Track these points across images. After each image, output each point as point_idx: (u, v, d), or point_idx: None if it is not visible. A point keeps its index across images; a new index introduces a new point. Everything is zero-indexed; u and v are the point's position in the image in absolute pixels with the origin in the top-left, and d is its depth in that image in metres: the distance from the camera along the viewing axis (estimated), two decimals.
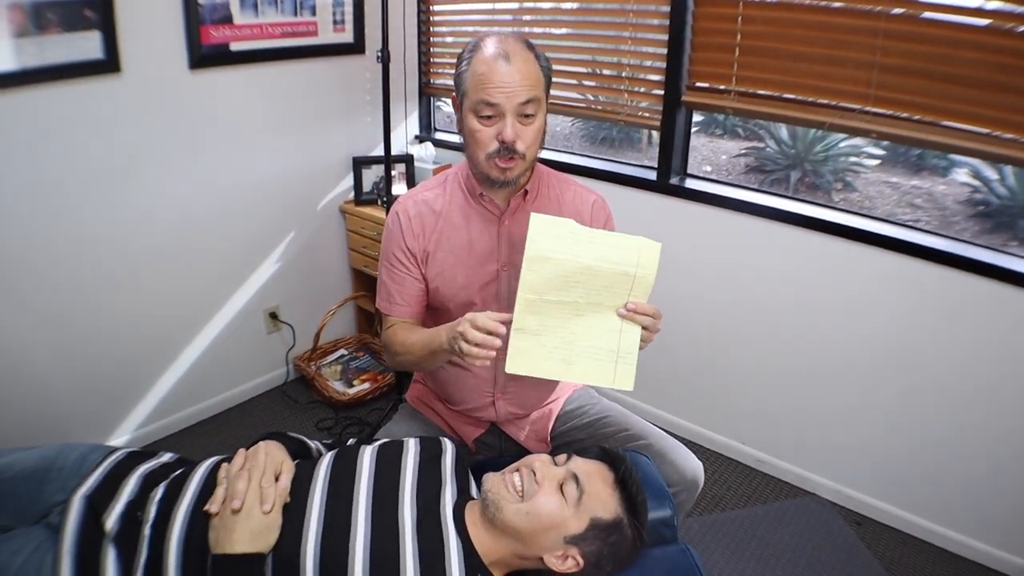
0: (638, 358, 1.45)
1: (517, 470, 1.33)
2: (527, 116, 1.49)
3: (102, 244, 2.46)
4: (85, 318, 2.49)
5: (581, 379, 1.44)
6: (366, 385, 3.13)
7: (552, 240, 1.38)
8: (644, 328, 1.44)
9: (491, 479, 1.32)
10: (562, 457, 1.35)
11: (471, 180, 1.64)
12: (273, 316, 3.11)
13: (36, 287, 2.34)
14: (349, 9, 2.93)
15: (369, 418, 3.00)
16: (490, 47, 1.48)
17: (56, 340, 2.44)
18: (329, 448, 1.54)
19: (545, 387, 1.80)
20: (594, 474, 1.31)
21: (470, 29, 3.19)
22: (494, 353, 1.37)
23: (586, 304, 1.41)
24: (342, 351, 3.35)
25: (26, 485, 1.36)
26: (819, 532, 2.45)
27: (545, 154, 3.02)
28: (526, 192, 1.64)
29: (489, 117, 1.48)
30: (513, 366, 1.41)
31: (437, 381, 1.81)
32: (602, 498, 1.28)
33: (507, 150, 1.49)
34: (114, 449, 1.44)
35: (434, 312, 1.75)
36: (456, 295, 1.65)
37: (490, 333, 1.36)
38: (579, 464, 1.33)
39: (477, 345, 1.36)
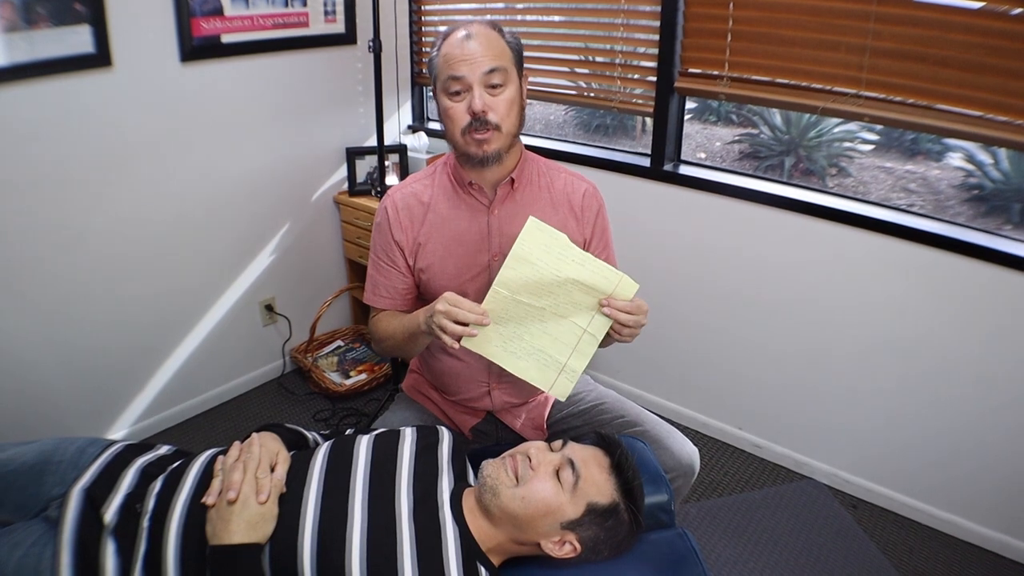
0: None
1: (513, 456, 1.33)
2: (495, 87, 1.51)
3: (96, 239, 2.46)
4: (81, 313, 2.49)
5: (521, 374, 1.49)
6: (363, 376, 3.13)
7: (540, 248, 1.43)
8: (624, 324, 1.47)
9: (489, 465, 1.33)
10: (558, 443, 1.36)
11: (458, 170, 1.64)
12: (269, 308, 3.11)
13: (31, 282, 2.34)
14: None
15: (366, 409, 3.00)
16: (457, 31, 1.53)
17: (52, 335, 2.43)
18: (327, 439, 1.54)
19: None
20: (590, 459, 1.32)
21: (462, 18, 3.18)
22: (472, 331, 1.40)
23: (551, 314, 1.46)
24: (338, 342, 3.35)
25: (25, 479, 1.36)
26: (816, 516, 2.46)
27: (539, 142, 3.06)
28: (513, 180, 1.63)
29: (457, 93, 1.52)
30: (466, 341, 1.46)
31: (433, 372, 1.81)
32: (598, 483, 1.28)
33: (479, 121, 1.51)
34: (112, 442, 1.45)
35: (426, 303, 1.74)
36: (447, 285, 1.65)
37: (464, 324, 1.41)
38: (575, 450, 1.33)
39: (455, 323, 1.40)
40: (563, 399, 1.51)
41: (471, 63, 1.49)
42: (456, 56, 1.50)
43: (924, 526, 2.43)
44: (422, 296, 1.74)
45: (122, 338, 2.63)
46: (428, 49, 3.29)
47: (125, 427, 2.73)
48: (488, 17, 3.05)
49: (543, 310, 1.45)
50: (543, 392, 1.82)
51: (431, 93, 1.59)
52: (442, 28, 3.20)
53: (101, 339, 2.57)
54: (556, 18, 2.95)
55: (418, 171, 1.76)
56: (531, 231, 1.42)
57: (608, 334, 1.48)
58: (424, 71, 3.33)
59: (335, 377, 3.12)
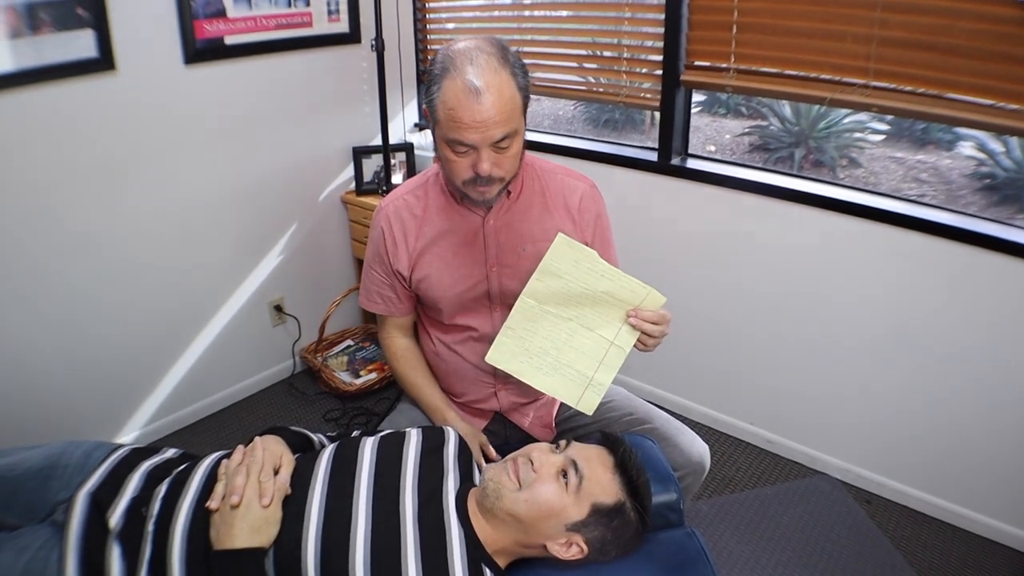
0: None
1: (515, 459, 1.32)
2: (503, 148, 1.40)
3: (103, 242, 2.47)
4: (89, 316, 2.49)
5: (547, 390, 1.50)
6: (373, 375, 3.13)
7: (569, 263, 1.44)
8: (649, 335, 1.49)
9: (491, 468, 1.32)
10: (561, 444, 1.35)
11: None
12: (278, 309, 3.11)
13: (39, 287, 2.35)
14: None
15: (377, 408, 3.00)
16: (459, 76, 1.34)
17: (61, 339, 2.44)
18: (332, 441, 1.54)
19: None
20: (593, 459, 1.30)
21: (467, 14, 3.18)
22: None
23: (578, 326, 1.47)
24: (348, 342, 3.35)
25: (32, 483, 1.36)
26: (829, 512, 2.44)
27: (548, 138, 3.04)
28: (509, 192, 1.60)
29: (463, 152, 1.40)
30: (492, 356, 1.49)
31: (438, 373, 1.81)
32: (602, 483, 1.27)
33: (483, 180, 1.42)
34: (118, 446, 1.45)
35: (427, 308, 1.75)
36: (445, 295, 1.64)
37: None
38: (578, 450, 1.32)
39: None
40: (590, 413, 1.51)
41: (482, 132, 1.35)
42: (464, 120, 1.34)
43: (939, 521, 2.40)
44: (421, 301, 1.74)
45: (131, 341, 2.63)
46: (435, 47, 3.27)
47: (135, 430, 2.73)
48: (495, 14, 3.04)
49: (570, 322, 1.47)
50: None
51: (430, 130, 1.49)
52: (449, 25, 3.20)
53: (110, 342, 2.57)
54: (563, 13, 2.93)
55: (411, 179, 1.72)
56: (560, 247, 1.43)
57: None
58: (428, 69, 3.31)
59: (345, 377, 3.12)
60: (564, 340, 1.47)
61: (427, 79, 1.44)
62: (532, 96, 1.49)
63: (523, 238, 1.62)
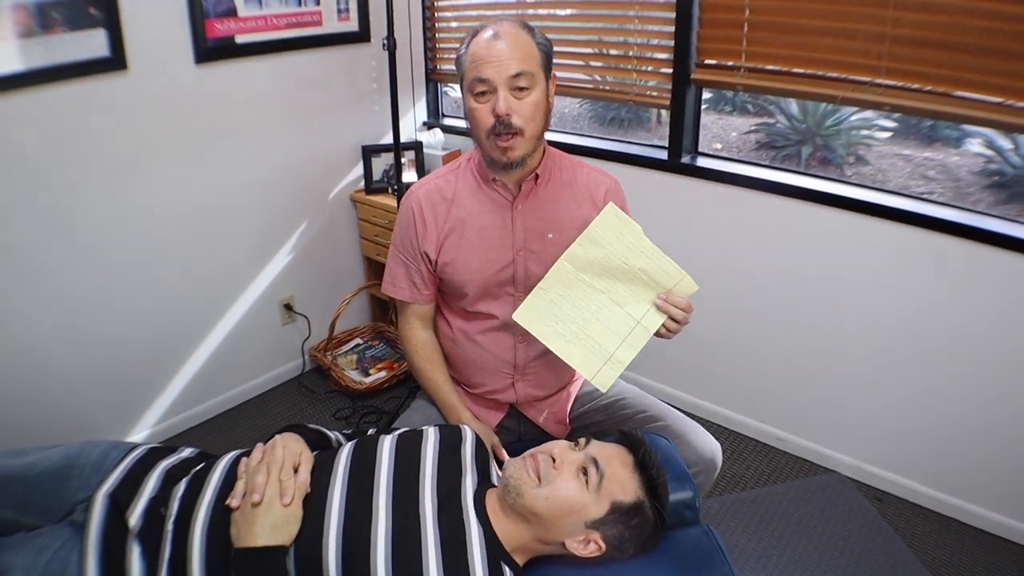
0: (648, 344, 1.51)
1: (535, 456, 1.32)
2: (520, 89, 1.50)
3: (114, 241, 2.47)
4: (101, 316, 2.50)
5: (566, 358, 1.50)
6: (382, 373, 3.13)
7: (613, 234, 1.46)
8: (674, 320, 1.51)
9: (511, 464, 1.32)
10: (581, 441, 1.35)
11: (482, 166, 1.65)
12: (288, 307, 3.12)
13: (52, 286, 2.35)
14: None
15: (387, 406, 3.01)
16: (486, 30, 1.51)
17: (75, 337, 2.45)
18: (349, 439, 1.54)
19: (564, 367, 1.81)
20: (613, 457, 1.31)
21: (475, 13, 3.17)
22: None
23: (608, 300, 1.48)
24: (357, 340, 3.36)
25: (50, 483, 1.37)
26: (840, 509, 2.44)
27: (555, 136, 3.04)
28: (537, 176, 1.64)
29: (483, 94, 1.51)
30: (519, 315, 1.52)
31: (456, 362, 1.81)
32: (622, 481, 1.28)
33: (503, 124, 1.50)
34: (136, 445, 1.45)
35: (450, 295, 1.76)
36: (471, 280, 1.67)
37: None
38: (598, 448, 1.33)
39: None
40: (604, 390, 1.52)
41: (497, 65, 1.47)
42: (482, 57, 1.48)
43: (951, 519, 2.40)
44: (444, 288, 1.76)
45: (143, 339, 2.64)
46: (443, 45, 3.28)
47: (147, 428, 2.74)
48: (501, 13, 3.04)
49: (601, 294, 1.48)
50: (569, 384, 1.84)
51: (453, 87, 1.60)
52: (456, 24, 3.22)
53: (121, 341, 2.58)
54: (569, 11, 2.93)
55: (442, 167, 1.77)
56: (608, 216, 1.46)
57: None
58: (439, 67, 3.32)
59: (355, 375, 3.13)
60: (592, 312, 1.48)
61: (458, 52, 1.58)
62: (554, 100, 1.63)
63: (550, 224, 1.66)
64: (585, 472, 1.28)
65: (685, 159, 2.66)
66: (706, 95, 2.84)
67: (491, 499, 1.32)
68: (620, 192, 1.75)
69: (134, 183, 2.47)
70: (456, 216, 1.66)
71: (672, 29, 2.51)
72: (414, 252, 1.70)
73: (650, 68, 2.67)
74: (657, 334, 1.53)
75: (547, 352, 1.66)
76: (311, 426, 1.50)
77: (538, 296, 1.50)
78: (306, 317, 3.18)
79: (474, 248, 1.65)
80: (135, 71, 2.36)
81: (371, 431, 1.56)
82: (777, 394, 2.71)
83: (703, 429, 1.75)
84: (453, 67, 1.62)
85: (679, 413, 1.78)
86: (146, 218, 2.53)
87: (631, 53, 2.69)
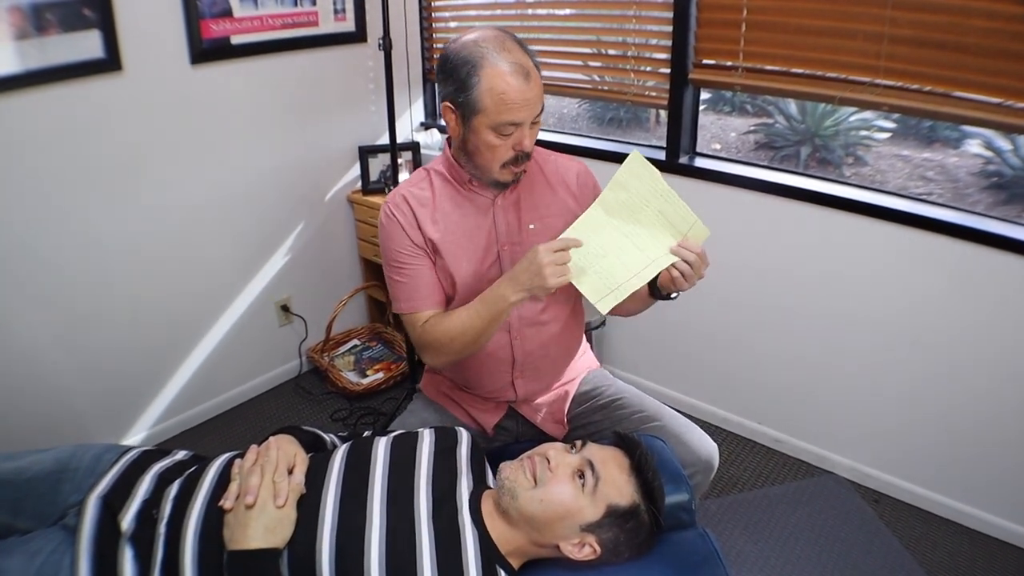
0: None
1: (531, 458, 1.32)
2: (535, 123, 1.53)
3: (110, 243, 2.47)
4: (96, 317, 2.49)
5: (576, 283, 1.49)
6: (380, 375, 3.13)
7: (636, 179, 1.49)
8: (689, 264, 1.50)
9: (507, 467, 1.32)
10: (577, 444, 1.34)
11: (456, 171, 1.64)
12: (284, 309, 3.11)
13: (46, 288, 2.35)
14: None
15: (384, 408, 3.00)
16: (503, 61, 1.44)
17: (69, 340, 2.44)
18: (344, 440, 1.54)
19: (561, 363, 1.82)
20: (609, 460, 1.30)
21: (472, 13, 3.17)
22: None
23: (631, 244, 1.50)
24: (355, 341, 3.35)
25: (43, 487, 1.36)
26: (837, 511, 2.44)
27: (553, 136, 3.03)
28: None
29: (508, 134, 1.49)
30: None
31: (455, 367, 1.80)
32: (618, 484, 1.27)
33: (524, 156, 1.53)
34: (128, 448, 1.45)
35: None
36: (464, 279, 1.65)
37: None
38: (594, 451, 1.32)
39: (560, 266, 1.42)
40: (603, 312, 1.50)
41: (530, 108, 1.47)
42: (515, 100, 1.44)
43: (948, 521, 2.39)
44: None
45: (139, 341, 2.63)
46: (440, 46, 3.27)
47: (143, 430, 2.73)
48: (499, 12, 3.03)
49: (625, 239, 1.50)
50: (568, 383, 1.85)
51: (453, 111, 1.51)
52: (453, 24, 3.20)
53: (118, 343, 2.57)
54: (568, 11, 2.92)
55: (408, 178, 1.73)
56: (632, 162, 1.48)
57: (670, 280, 1.51)
58: (435, 68, 3.30)
59: (352, 376, 3.12)
60: (614, 252, 1.49)
61: (445, 79, 1.51)
62: None
63: (529, 215, 1.67)
64: (581, 475, 1.27)
65: (683, 159, 2.65)
66: (705, 95, 2.84)
67: (487, 502, 1.31)
68: (590, 174, 1.77)
69: (129, 184, 2.46)
70: (438, 219, 1.64)
71: (670, 29, 2.50)
72: (416, 248, 1.64)
73: (648, 68, 2.66)
74: (673, 281, 1.51)
75: (544, 345, 1.64)
76: (306, 428, 1.50)
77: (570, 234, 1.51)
78: (303, 318, 3.18)
79: (463, 250, 1.65)
80: (130, 72, 2.35)
81: (367, 433, 1.55)
82: (774, 395, 2.70)
83: (700, 430, 1.74)
84: None
85: (676, 413, 1.77)
86: (141, 219, 2.53)
87: (629, 53, 2.68)
